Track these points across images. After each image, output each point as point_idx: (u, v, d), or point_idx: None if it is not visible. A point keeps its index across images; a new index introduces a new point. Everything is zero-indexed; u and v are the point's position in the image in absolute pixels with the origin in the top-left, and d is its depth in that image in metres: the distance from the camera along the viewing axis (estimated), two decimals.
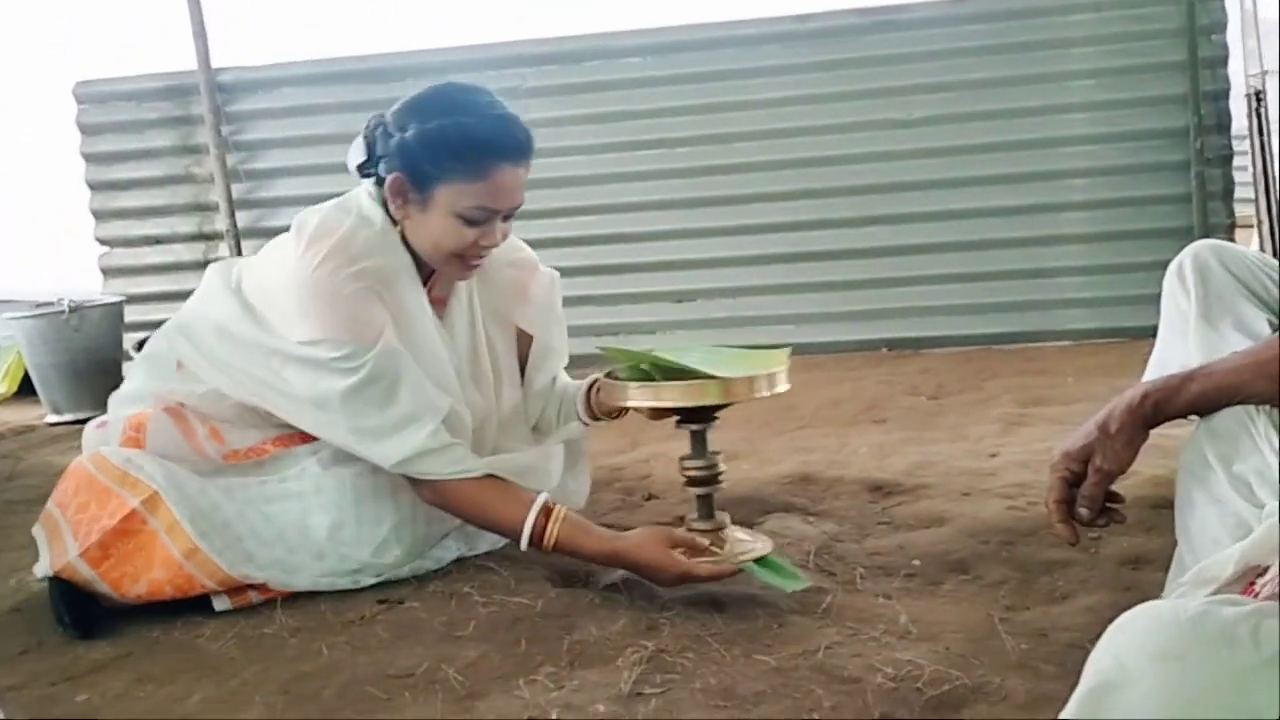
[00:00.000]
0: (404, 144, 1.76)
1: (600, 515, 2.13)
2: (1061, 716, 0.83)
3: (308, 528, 1.81)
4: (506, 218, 1.82)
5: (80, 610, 1.73)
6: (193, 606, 1.74)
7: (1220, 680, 0.75)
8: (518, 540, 1.73)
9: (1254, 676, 0.75)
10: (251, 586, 1.77)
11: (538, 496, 1.73)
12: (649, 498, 2.32)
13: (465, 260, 1.83)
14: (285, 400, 1.81)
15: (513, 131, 1.76)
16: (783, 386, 1.69)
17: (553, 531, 1.71)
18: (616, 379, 1.78)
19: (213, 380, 1.86)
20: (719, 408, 1.69)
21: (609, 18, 4.34)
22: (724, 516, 1.73)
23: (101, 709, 1.45)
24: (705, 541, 1.68)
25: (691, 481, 1.70)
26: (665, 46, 4.20)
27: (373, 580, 1.81)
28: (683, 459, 1.72)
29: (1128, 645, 0.80)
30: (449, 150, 1.73)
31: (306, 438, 1.87)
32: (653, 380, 1.72)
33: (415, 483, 1.79)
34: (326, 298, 1.73)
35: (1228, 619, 0.78)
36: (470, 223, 1.77)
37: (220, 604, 1.75)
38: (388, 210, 1.82)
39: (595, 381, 1.96)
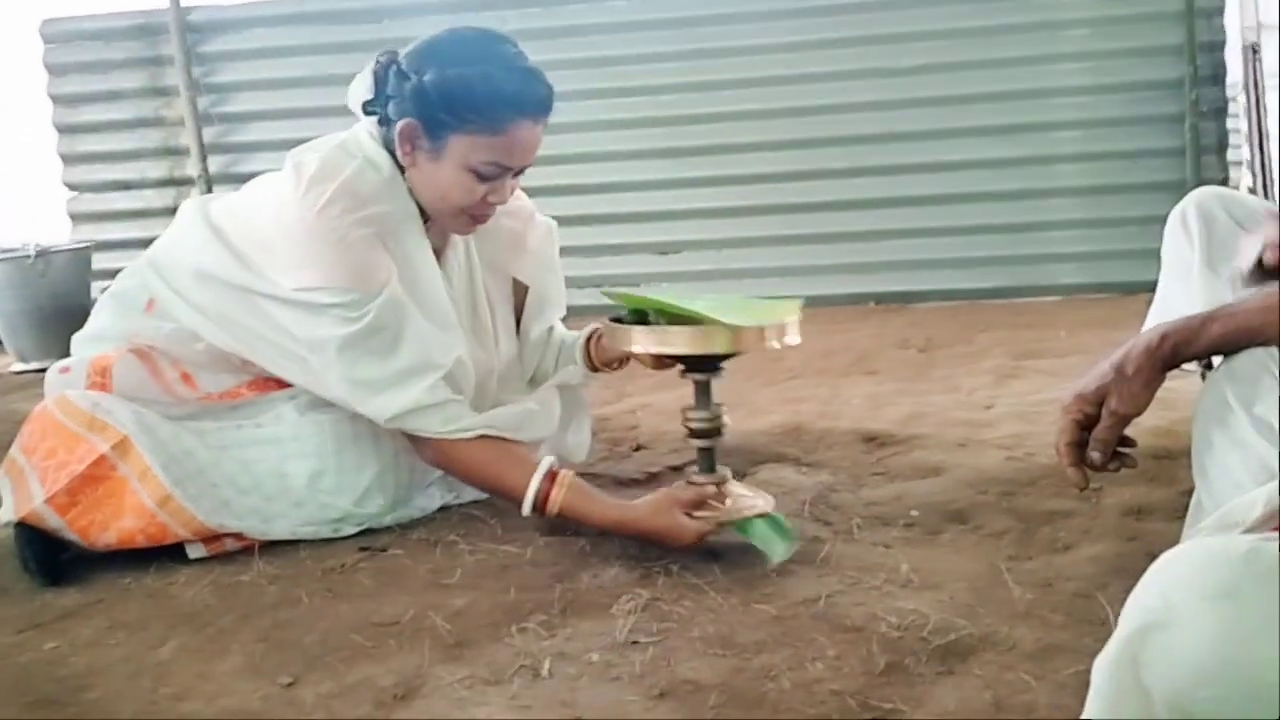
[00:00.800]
0: (420, 89, 1.66)
1: (588, 466, 2.07)
2: (1102, 659, 0.77)
3: (285, 475, 1.75)
4: (517, 174, 1.75)
5: (47, 556, 1.66)
6: (166, 553, 1.67)
7: (1275, 619, 0.70)
8: (517, 503, 1.65)
9: None
10: (227, 534, 1.70)
11: (542, 461, 1.66)
12: (637, 448, 2.27)
13: (471, 215, 1.75)
14: (270, 348, 1.73)
15: (536, 87, 1.67)
16: (794, 338, 1.61)
17: (557, 498, 1.62)
18: (620, 322, 1.70)
19: (189, 321, 1.78)
20: (726, 357, 1.62)
21: None
22: (725, 470, 1.67)
23: (71, 656, 1.39)
24: (713, 489, 1.61)
25: (694, 434, 1.63)
26: None
27: (354, 529, 1.76)
28: (685, 409, 1.65)
29: (1175, 583, 0.74)
30: (469, 101, 1.64)
31: (284, 382, 1.80)
32: (659, 326, 1.65)
33: (417, 443, 1.72)
34: (331, 243, 1.65)
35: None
36: (482, 177, 1.69)
37: (195, 551, 1.69)
38: (393, 155, 1.74)
39: (595, 331, 1.89)
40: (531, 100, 1.68)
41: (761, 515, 1.59)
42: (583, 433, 2.08)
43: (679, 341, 1.57)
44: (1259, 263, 1.49)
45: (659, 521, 1.57)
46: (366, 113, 1.76)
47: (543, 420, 1.88)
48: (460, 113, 1.65)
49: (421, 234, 1.77)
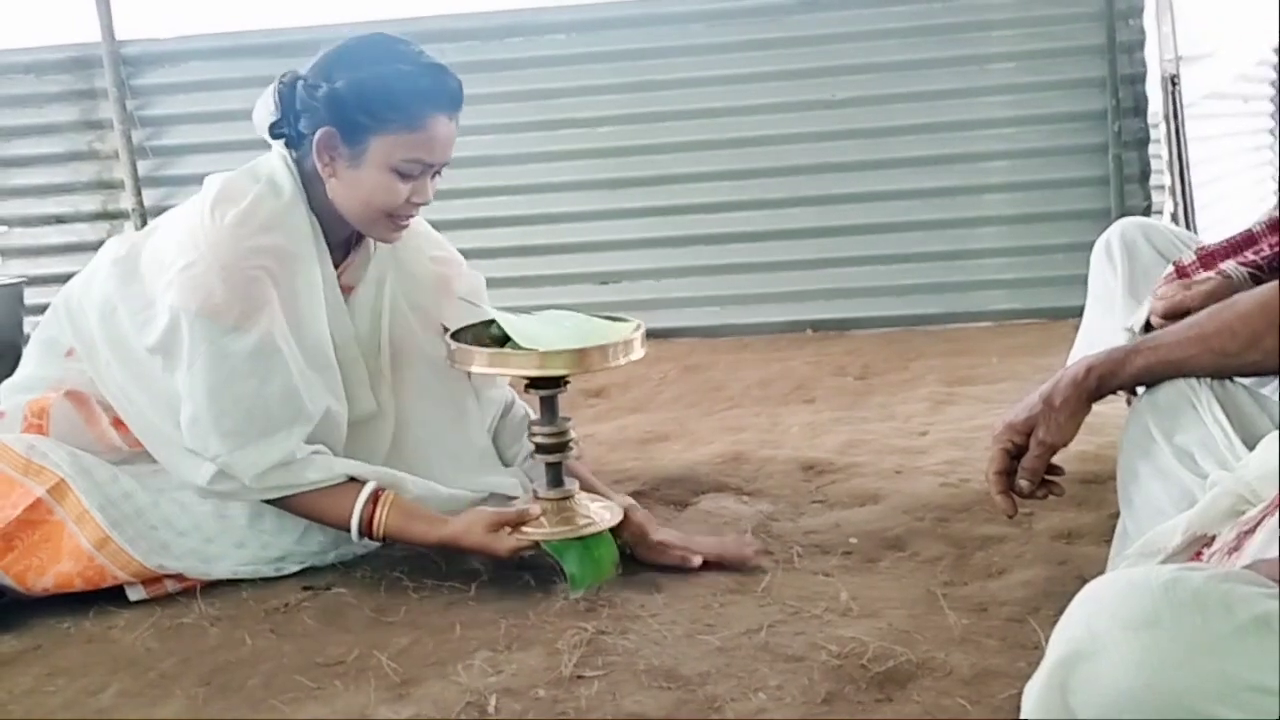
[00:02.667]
0: (334, 95, 1.65)
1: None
2: (1031, 686, 0.81)
3: (226, 517, 1.73)
4: (435, 175, 1.75)
5: None
6: (106, 596, 1.65)
7: (1195, 647, 0.74)
8: (349, 531, 1.67)
9: (1227, 643, 0.74)
10: (168, 575, 1.69)
11: (365, 485, 1.67)
12: None
13: (395, 219, 1.74)
14: (139, 419, 1.74)
15: (448, 81, 1.69)
16: (638, 353, 1.64)
17: (381, 519, 1.65)
18: (465, 341, 1.71)
19: (92, 369, 1.77)
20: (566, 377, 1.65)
21: None
22: (572, 485, 1.69)
23: (9, 705, 1.37)
24: (537, 510, 1.64)
25: (540, 449, 1.65)
26: (590, 24, 4.13)
27: (297, 567, 1.75)
28: (531, 423, 1.68)
29: (1099, 613, 0.78)
30: (386, 100, 1.65)
31: None
32: (502, 346, 1.68)
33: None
34: (219, 267, 1.62)
35: (1199, 585, 0.76)
36: (404, 176, 1.69)
37: (135, 594, 1.67)
38: (304, 180, 1.74)
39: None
40: (445, 94, 1.69)
41: (594, 535, 1.62)
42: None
43: (517, 365, 1.61)
44: (1147, 324, 1.57)
45: (472, 539, 1.63)
46: (274, 135, 1.74)
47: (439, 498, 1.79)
48: (378, 112, 1.65)
49: (314, 268, 1.74)
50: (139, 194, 4.27)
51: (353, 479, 1.70)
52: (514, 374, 1.63)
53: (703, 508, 1.98)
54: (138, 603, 1.66)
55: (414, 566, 1.72)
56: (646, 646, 1.40)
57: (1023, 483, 1.33)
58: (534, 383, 1.64)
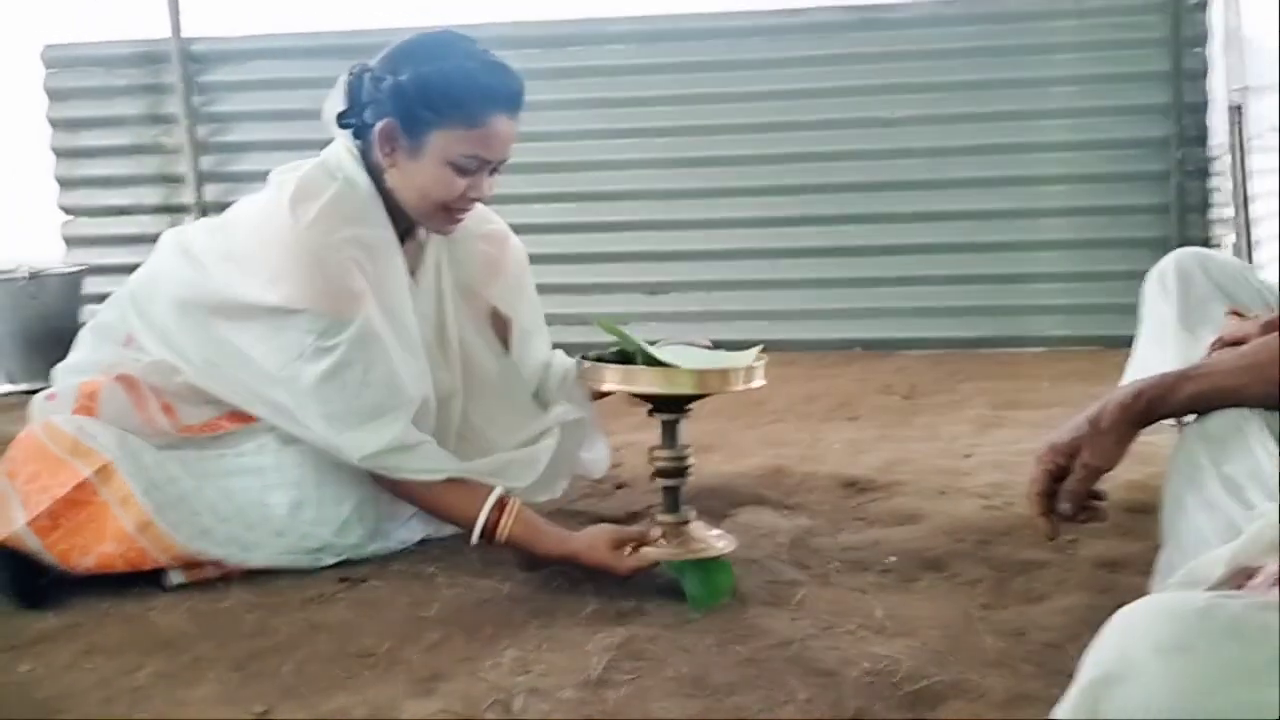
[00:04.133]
0: (398, 88, 1.69)
1: (570, 503, 2.08)
2: (1060, 708, 0.79)
3: (267, 505, 1.76)
4: (494, 171, 1.77)
5: (26, 579, 1.67)
6: (145, 579, 1.68)
7: (1229, 675, 0.72)
8: (471, 532, 1.68)
9: (1264, 672, 0.72)
10: (208, 561, 1.71)
11: (493, 491, 1.69)
12: (619, 486, 2.28)
13: (451, 212, 1.78)
14: (243, 389, 1.76)
15: (510, 81, 1.73)
16: (759, 381, 1.66)
17: (505, 527, 1.67)
18: (597, 360, 1.74)
19: (168, 357, 1.80)
20: (692, 399, 1.65)
21: (595, 3, 4.28)
22: (689, 510, 1.69)
23: (46, 680, 1.39)
24: (658, 533, 1.64)
25: (659, 472, 1.66)
26: (651, 35, 4.16)
27: (334, 560, 1.76)
28: (653, 449, 1.69)
29: (1132, 637, 0.76)
30: (447, 95, 1.68)
31: None
32: (631, 364, 1.69)
33: (376, 474, 1.74)
34: (311, 263, 1.67)
35: (1237, 612, 0.75)
36: (461, 171, 1.73)
37: (175, 577, 1.70)
38: (370, 171, 1.77)
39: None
40: (506, 93, 1.72)
41: (712, 559, 1.61)
42: (597, 448, 2.10)
43: (646, 381, 1.61)
44: None
45: (594, 557, 1.62)
46: (342, 125, 1.78)
47: (521, 469, 1.89)
48: (439, 107, 1.69)
49: (398, 256, 1.79)
50: (200, 188, 4.35)
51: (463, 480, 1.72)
52: (642, 391, 1.63)
53: (740, 520, 1.96)
54: (177, 586, 1.68)
55: (449, 564, 1.73)
56: (676, 654, 1.39)
57: (1064, 506, 1.30)
58: (657, 407, 1.66)
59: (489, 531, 1.67)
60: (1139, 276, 1.86)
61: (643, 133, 4.16)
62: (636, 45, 4.17)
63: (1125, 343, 1.79)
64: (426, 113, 1.69)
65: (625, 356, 1.73)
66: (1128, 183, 3.92)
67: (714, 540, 1.66)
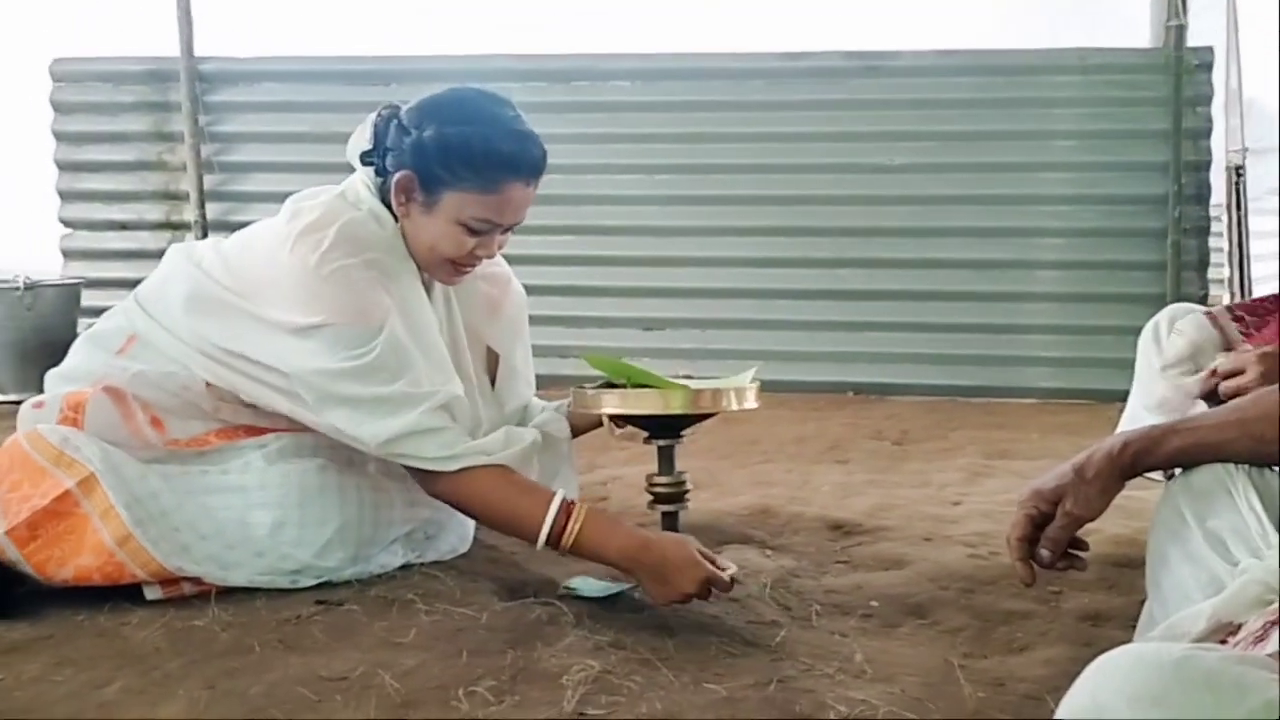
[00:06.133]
0: (420, 144, 1.71)
1: None
2: None
3: (248, 524, 1.74)
4: (506, 231, 1.79)
5: (2, 588, 1.65)
6: (122, 592, 1.66)
7: None
8: (533, 540, 1.65)
9: None
10: (185, 578, 1.69)
11: (556, 494, 1.66)
12: None
13: (457, 266, 1.81)
14: (256, 383, 1.74)
15: (531, 150, 1.74)
16: (751, 403, 1.66)
17: (572, 533, 1.63)
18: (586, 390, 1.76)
19: (173, 352, 1.79)
20: (688, 422, 1.66)
21: (600, 39, 4.31)
22: (688, 536, 1.68)
23: (15, 690, 1.38)
24: (733, 569, 1.62)
25: (658, 498, 1.67)
26: (654, 73, 4.19)
27: (313, 582, 1.75)
28: (650, 476, 1.68)
29: (1106, 685, 0.76)
30: (466, 159, 1.69)
31: (252, 431, 1.81)
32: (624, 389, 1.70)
33: (422, 477, 1.72)
34: (332, 283, 1.67)
35: (1212, 665, 0.74)
36: (472, 232, 1.75)
37: (151, 593, 1.68)
38: (389, 206, 1.78)
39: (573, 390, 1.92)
40: (525, 162, 1.73)
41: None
42: (569, 484, 2.08)
43: (642, 404, 1.62)
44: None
45: (674, 551, 1.58)
46: (364, 163, 1.81)
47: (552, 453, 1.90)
48: (456, 170, 1.70)
49: (417, 282, 1.81)
50: (203, 207, 4.36)
51: (509, 472, 1.70)
52: (642, 413, 1.64)
53: (726, 558, 1.95)
54: (153, 602, 1.67)
55: (428, 590, 1.71)
56: (652, 690, 1.38)
57: (1044, 552, 1.30)
58: (654, 433, 1.67)
59: (555, 538, 1.64)
60: (1134, 332, 1.87)
61: (643, 169, 4.18)
62: (640, 82, 4.20)
63: (1118, 397, 1.79)
64: (444, 173, 1.71)
65: (616, 387, 1.74)
66: (1125, 238, 3.95)
67: (722, 562, 1.66)
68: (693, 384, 1.78)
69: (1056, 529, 1.28)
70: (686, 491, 1.67)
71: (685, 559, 1.58)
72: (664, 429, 1.66)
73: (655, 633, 1.57)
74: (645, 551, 1.61)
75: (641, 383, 1.70)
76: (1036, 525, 1.30)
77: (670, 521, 1.68)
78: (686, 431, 1.70)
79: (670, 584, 1.59)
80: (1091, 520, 1.29)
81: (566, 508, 1.65)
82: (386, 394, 1.66)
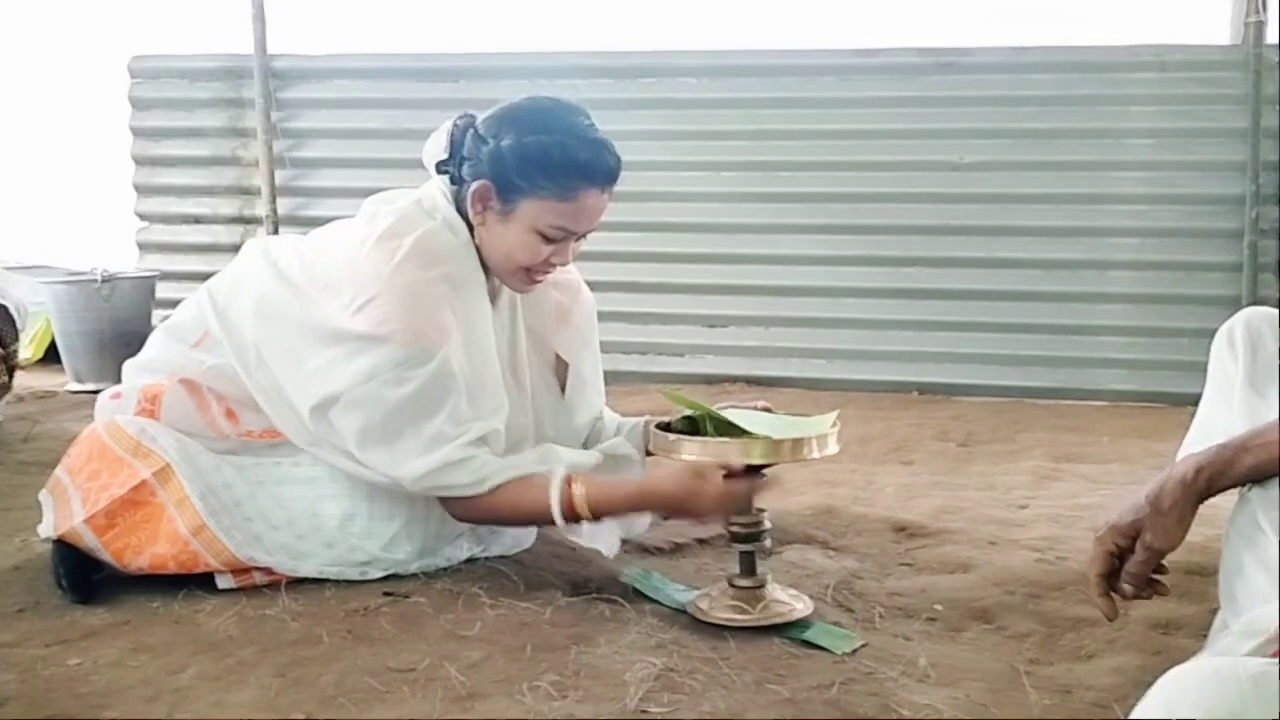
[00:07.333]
0: (497, 153, 1.73)
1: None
2: None
3: (319, 515, 1.78)
4: (580, 238, 1.80)
5: (80, 574, 1.70)
6: (196, 581, 1.70)
7: None
8: (552, 523, 1.68)
9: None
10: (257, 568, 1.73)
11: (553, 471, 1.69)
12: (677, 547, 2.24)
13: (531, 274, 1.82)
14: (285, 406, 1.77)
15: (606, 158, 1.75)
16: (832, 449, 1.66)
17: (581, 497, 1.66)
18: (668, 428, 1.76)
19: (233, 357, 1.83)
20: (766, 466, 1.66)
21: (668, 36, 4.30)
22: (765, 574, 1.69)
23: (93, 675, 1.42)
24: (760, 482, 1.64)
25: (735, 537, 1.66)
26: (722, 70, 4.18)
27: (381, 574, 1.78)
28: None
29: (1181, 698, 0.75)
30: (543, 168, 1.71)
31: None
32: (703, 434, 1.71)
33: (444, 502, 1.75)
34: (401, 294, 1.68)
35: None
36: (548, 240, 1.77)
37: (224, 582, 1.72)
38: (464, 215, 1.80)
39: (647, 423, 1.92)
40: (601, 171, 1.74)
41: (799, 620, 1.61)
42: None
43: (723, 454, 1.62)
44: None
45: (682, 485, 1.62)
46: (440, 171, 1.82)
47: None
48: (533, 178, 1.72)
49: (484, 295, 1.82)
50: (274, 202, 4.43)
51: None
52: (721, 462, 1.64)
53: (787, 558, 1.95)
54: (225, 591, 1.71)
55: (493, 584, 1.73)
56: (714, 689, 1.38)
57: (1126, 587, 1.29)
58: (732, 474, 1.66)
59: (568, 508, 1.66)
60: (1208, 334, 1.82)
61: (709, 166, 4.17)
62: (708, 79, 4.19)
63: (1190, 400, 1.75)
64: (521, 181, 1.73)
65: (694, 424, 1.76)
66: (1200, 239, 3.86)
67: (793, 602, 1.66)
68: (772, 418, 1.77)
69: (1137, 564, 1.27)
70: (764, 531, 1.67)
71: (687, 490, 1.61)
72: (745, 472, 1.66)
73: (718, 632, 1.58)
74: (648, 497, 1.66)
75: (721, 424, 1.70)
76: (1115, 559, 1.29)
77: (747, 561, 1.67)
78: (767, 470, 1.69)
79: (689, 512, 1.64)
80: (1172, 550, 1.28)
81: (567, 480, 1.67)
82: (426, 434, 1.67)
